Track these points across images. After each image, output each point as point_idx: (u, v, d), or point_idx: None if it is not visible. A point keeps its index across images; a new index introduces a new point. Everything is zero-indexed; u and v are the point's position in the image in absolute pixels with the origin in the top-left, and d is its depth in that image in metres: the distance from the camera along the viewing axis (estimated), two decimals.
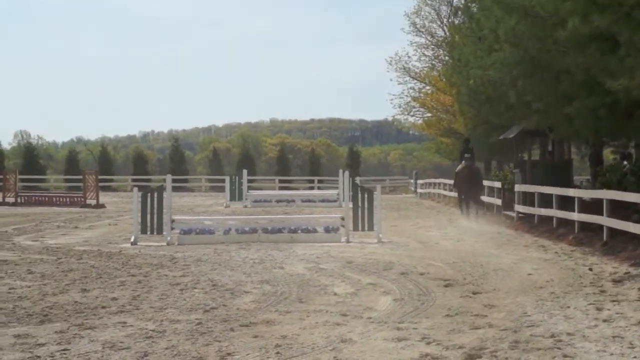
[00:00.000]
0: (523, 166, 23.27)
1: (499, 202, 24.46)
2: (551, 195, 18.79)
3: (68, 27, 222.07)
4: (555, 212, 18.43)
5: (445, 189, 36.99)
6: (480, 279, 11.17)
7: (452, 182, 28.83)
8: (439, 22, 40.68)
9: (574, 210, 17.12)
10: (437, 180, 40.98)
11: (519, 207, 21.64)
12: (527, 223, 20.32)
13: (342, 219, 17.67)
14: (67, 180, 56.02)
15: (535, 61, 16.27)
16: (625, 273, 11.50)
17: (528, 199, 21.22)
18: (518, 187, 22.06)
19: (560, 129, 18.80)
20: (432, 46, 41.31)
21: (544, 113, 17.90)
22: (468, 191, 23.84)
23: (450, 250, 15.19)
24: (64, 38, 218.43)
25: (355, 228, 17.55)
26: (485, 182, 27.19)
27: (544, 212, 19.41)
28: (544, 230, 18.42)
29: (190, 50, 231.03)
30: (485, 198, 26.56)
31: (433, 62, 41.61)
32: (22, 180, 48.26)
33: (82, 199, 32.88)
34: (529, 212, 20.79)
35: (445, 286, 10.53)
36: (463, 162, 24.30)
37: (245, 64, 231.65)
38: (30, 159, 59.32)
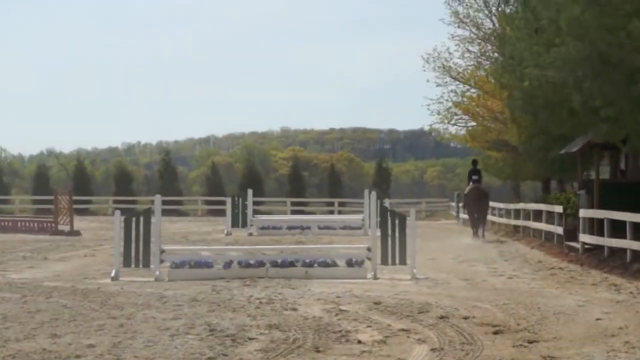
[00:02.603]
0: (590, 187, 23.16)
1: (560, 230, 24.37)
2: (624, 222, 18.66)
3: (38, 18, 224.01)
4: (629, 243, 18.30)
5: (494, 214, 36.90)
6: (537, 325, 11.10)
7: (501, 205, 34.78)
8: (486, 12, 40.62)
9: None
10: None
11: (585, 237, 21.51)
12: (595, 256, 20.19)
13: (369, 250, 17.64)
14: (35, 202, 56.30)
15: (605, 58, 16.22)
16: None
17: (596, 226, 21.08)
18: (584, 213, 21.94)
19: (636, 141, 18.69)
20: (478, 40, 41.23)
21: (616, 121, 17.82)
22: (478, 211, 29.58)
23: (501, 290, 15.11)
24: (33, 31, 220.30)
25: (384, 261, 17.50)
26: (543, 206, 27.21)
27: (615, 243, 19.28)
28: (616, 266, 18.30)
29: (184, 45, 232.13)
30: (542, 225, 26.56)
31: (479, 59, 41.53)
32: None
33: (53, 225, 33.01)
34: (597, 242, 20.66)
35: (495, 333, 10.47)
36: (471, 183, 30.36)
37: (250, 62, 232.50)
38: None
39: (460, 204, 45.84)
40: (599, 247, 20.51)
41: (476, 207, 29.68)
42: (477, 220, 29.80)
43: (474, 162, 32.15)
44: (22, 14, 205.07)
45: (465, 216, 43.02)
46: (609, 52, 16.02)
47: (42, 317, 11.91)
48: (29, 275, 17.88)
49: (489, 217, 37.56)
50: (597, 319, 11.55)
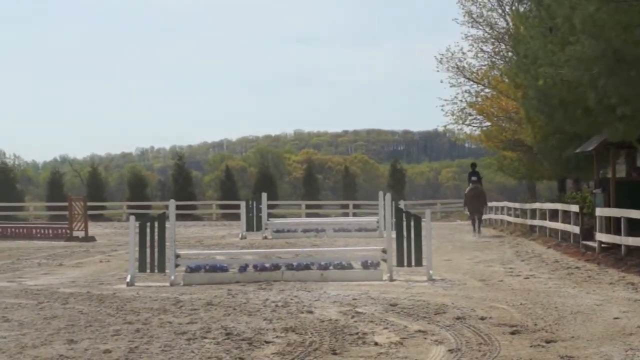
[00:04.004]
0: (606, 185, 23.09)
1: (576, 229, 24.32)
2: None
3: (47, 21, 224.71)
4: None
5: (510, 215, 36.86)
6: (554, 325, 11.08)
7: (517, 205, 35.96)
8: (500, 11, 40.60)
9: None
10: (500, 204, 40.78)
11: (602, 236, 21.45)
12: (612, 255, 20.13)
13: (384, 251, 17.62)
14: (49, 208, 56.57)
15: (620, 56, 16.17)
16: None
17: (613, 225, 21.03)
18: (600, 211, 21.88)
19: None
20: (492, 40, 41.21)
21: (632, 120, 17.76)
22: (475, 209, 33.06)
23: (518, 290, 15.09)
24: (43, 35, 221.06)
25: (400, 263, 17.48)
26: (559, 206, 27.14)
27: (632, 241, 19.22)
28: (634, 264, 18.23)
29: (198, 48, 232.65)
30: (559, 225, 26.50)
31: (493, 59, 41.52)
32: None
33: (68, 231, 33.11)
34: (614, 241, 20.60)
35: (512, 333, 10.46)
36: (470, 184, 33.69)
37: (264, 65, 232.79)
38: (5, 182, 59.97)
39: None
40: (616, 246, 20.46)
41: (474, 206, 33.10)
42: (475, 218, 33.11)
43: (473, 165, 35.29)
44: (30, 18, 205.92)
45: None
46: (624, 50, 15.96)
47: (58, 323, 11.96)
48: (44, 281, 17.95)
49: (506, 217, 37.66)
50: (615, 318, 11.53)
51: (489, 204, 44.18)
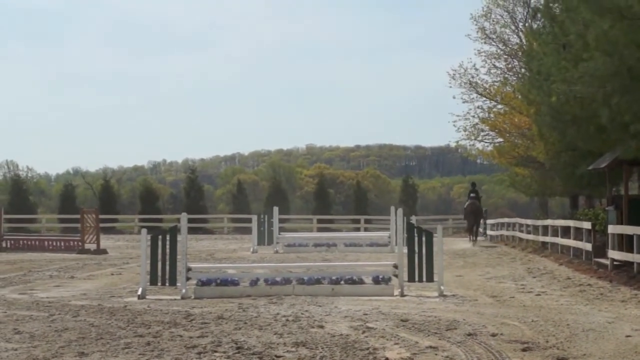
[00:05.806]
0: (619, 203, 23.04)
1: (588, 247, 24.26)
2: None
3: (61, 36, 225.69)
4: None
5: (522, 231, 36.79)
6: (566, 342, 11.04)
7: (529, 221, 36.17)
8: (513, 27, 40.68)
9: None
10: (512, 220, 40.69)
11: (614, 253, 21.39)
12: (625, 273, 20.06)
13: (395, 267, 17.60)
14: (61, 220, 56.65)
15: (634, 73, 16.14)
16: None
17: (625, 243, 20.96)
18: (612, 229, 21.83)
19: None
20: (505, 56, 41.28)
21: None
22: (473, 222, 38.11)
23: (529, 306, 15.05)
24: (55, 49, 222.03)
25: (411, 278, 17.46)
26: (571, 223, 27.11)
27: None
28: None
29: (209, 63, 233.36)
30: (570, 242, 26.45)
31: (506, 75, 41.56)
32: (8, 221, 48.85)
33: (80, 243, 33.16)
34: (626, 259, 20.54)
35: (523, 350, 10.42)
36: (469, 200, 38.32)
37: (275, 80, 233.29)
38: (18, 194, 60.19)
39: (489, 221, 45.94)
40: (629, 264, 20.39)
41: (471, 218, 38.09)
42: (472, 229, 38.30)
43: (473, 185, 40.92)
44: (43, 33, 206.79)
45: (493, 232, 43.32)
46: (638, 67, 15.94)
47: (69, 335, 11.96)
48: (56, 294, 17.97)
49: (518, 234, 37.68)
50: (627, 336, 11.48)
51: (502, 220, 44.33)
